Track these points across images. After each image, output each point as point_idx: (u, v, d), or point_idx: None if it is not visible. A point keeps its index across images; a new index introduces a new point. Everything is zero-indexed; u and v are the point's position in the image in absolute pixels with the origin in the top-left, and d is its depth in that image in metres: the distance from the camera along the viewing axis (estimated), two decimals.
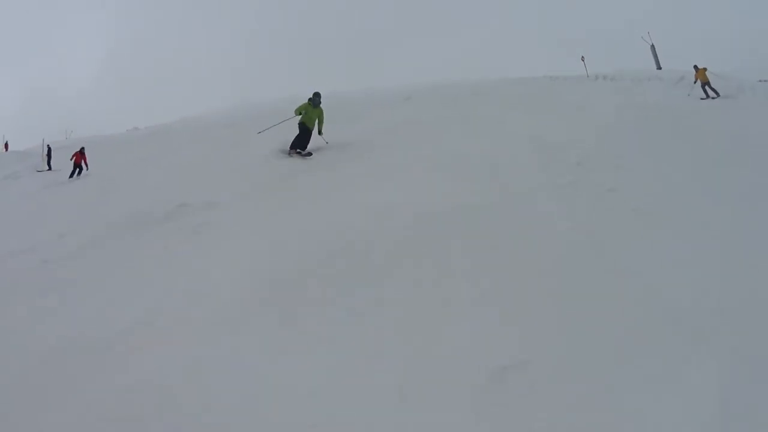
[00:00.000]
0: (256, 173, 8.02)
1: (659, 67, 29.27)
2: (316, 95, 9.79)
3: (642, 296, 2.71)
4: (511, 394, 2.13)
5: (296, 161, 8.95)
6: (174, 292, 3.66)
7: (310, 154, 9.13)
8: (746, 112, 11.29)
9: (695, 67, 15.93)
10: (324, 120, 9.66)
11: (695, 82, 15.53)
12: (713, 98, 14.26)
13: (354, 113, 13.75)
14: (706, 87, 14.99)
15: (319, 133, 9.55)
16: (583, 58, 24.18)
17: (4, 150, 28.40)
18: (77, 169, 16.17)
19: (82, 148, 16.88)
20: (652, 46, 30.20)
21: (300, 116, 9.59)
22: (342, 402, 2.21)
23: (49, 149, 19.56)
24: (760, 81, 20.95)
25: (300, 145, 9.29)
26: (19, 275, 4.93)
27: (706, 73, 15.41)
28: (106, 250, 5.27)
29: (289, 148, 9.36)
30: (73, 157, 16.53)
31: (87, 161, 16.47)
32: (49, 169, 18.43)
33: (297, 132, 9.50)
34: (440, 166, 6.35)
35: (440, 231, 3.83)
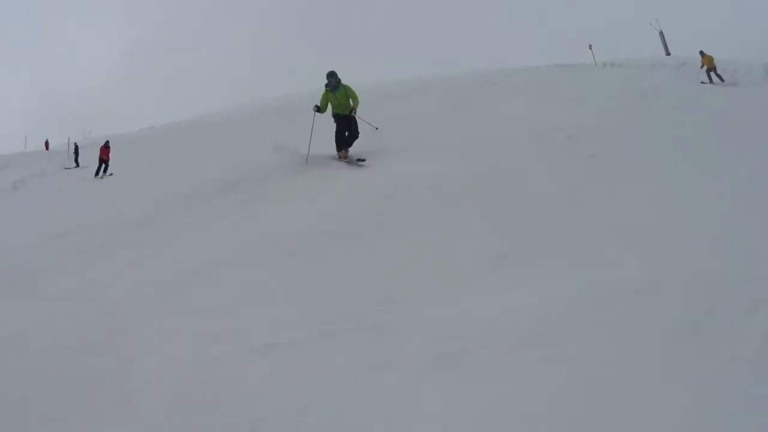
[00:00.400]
0: (288, 158, 9.23)
1: (668, 53, 30.16)
2: (330, 75, 8.23)
3: (594, 218, 3.95)
4: (501, 270, 3.36)
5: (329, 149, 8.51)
6: (246, 236, 4.96)
7: (363, 160, 7.69)
8: (740, 94, 12.35)
9: (701, 53, 16.81)
10: (357, 95, 8.31)
11: (702, 68, 16.46)
12: (717, 84, 15.18)
13: (368, 105, 14.97)
14: (711, 73, 15.90)
15: (352, 112, 8.12)
16: (590, 47, 25.23)
17: (45, 149, 29.48)
18: (102, 165, 16.75)
19: (107, 142, 17.61)
20: (661, 33, 31.13)
21: (327, 109, 8.34)
22: (387, 280, 3.46)
23: (77, 147, 21.04)
24: None
25: (347, 141, 8.13)
26: (105, 239, 6.25)
27: (714, 61, 16.29)
28: (175, 217, 6.59)
29: (337, 153, 8.15)
30: (101, 154, 17.08)
31: (110, 156, 16.98)
32: (77, 166, 19.78)
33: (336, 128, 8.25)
34: (450, 147, 7.58)
35: (451, 186, 5.14)
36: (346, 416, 2.22)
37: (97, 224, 7.54)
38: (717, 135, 6.83)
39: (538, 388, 2.17)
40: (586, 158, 5.68)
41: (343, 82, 8.27)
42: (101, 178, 15.90)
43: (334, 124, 8.26)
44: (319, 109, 8.34)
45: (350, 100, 8.21)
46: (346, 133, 8.17)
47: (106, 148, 17.22)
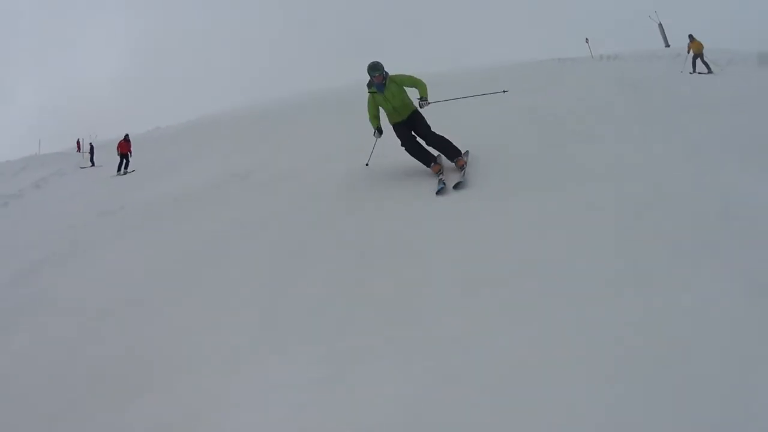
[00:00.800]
0: (308, 149, 10.41)
1: (667, 45, 31.36)
2: (372, 68, 5.81)
3: (572, 164, 5.20)
4: (495, 203, 4.56)
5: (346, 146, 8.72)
6: (281, 200, 6.22)
7: (459, 183, 5.34)
8: (725, 81, 13.43)
9: (690, 36, 17.33)
10: (418, 79, 5.96)
11: (688, 53, 17.31)
12: (701, 73, 15.89)
13: None
14: (698, 60, 16.69)
15: (421, 103, 5.89)
16: (587, 41, 26.55)
17: (77, 150, 29.96)
18: (123, 160, 16.93)
19: (126, 135, 17.80)
20: (660, 25, 32.37)
21: (381, 118, 6.27)
22: (405, 212, 4.66)
23: (92, 146, 22.34)
24: None
25: (442, 148, 5.94)
26: (154, 213, 7.52)
27: (702, 48, 16.73)
28: (215, 192, 7.82)
29: (430, 168, 5.92)
30: (119, 149, 17.20)
31: (131, 150, 17.21)
32: (93, 165, 21.02)
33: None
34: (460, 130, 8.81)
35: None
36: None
37: (138, 202, 8.82)
38: (687, 112, 7.95)
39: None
40: (568, 132, 6.88)
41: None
42: (123, 174, 16.49)
43: (399, 141, 6.14)
44: (379, 131, 6.34)
45: (406, 93, 6.03)
46: (421, 142, 6.07)
47: (126, 142, 17.36)
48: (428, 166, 5.98)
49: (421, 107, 5.99)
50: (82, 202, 11.20)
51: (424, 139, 6.06)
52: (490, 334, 2.65)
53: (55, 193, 15.80)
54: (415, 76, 6.01)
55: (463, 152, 6.06)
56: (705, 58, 16.44)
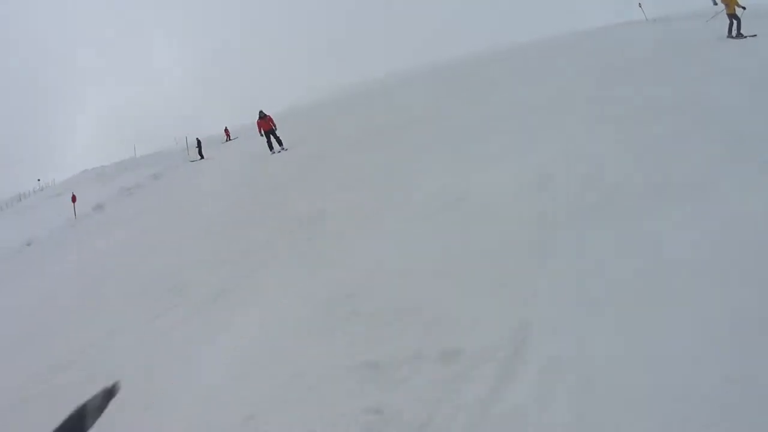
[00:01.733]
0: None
1: (715, 3, 33.22)
2: None
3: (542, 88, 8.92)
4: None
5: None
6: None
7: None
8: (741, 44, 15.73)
9: None
10: None
11: (715, 4, 17.91)
12: (733, 37, 15.22)
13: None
14: (734, 19, 15.60)
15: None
16: (640, 5, 29.14)
17: (227, 138, 32.69)
18: (272, 137, 16.30)
19: (261, 112, 16.84)
20: None
21: None
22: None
23: (199, 141, 26.18)
24: None
25: None
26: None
27: (736, 6, 15.77)
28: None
29: None
30: (260, 129, 16.38)
31: (275, 124, 16.50)
32: (202, 158, 24.52)
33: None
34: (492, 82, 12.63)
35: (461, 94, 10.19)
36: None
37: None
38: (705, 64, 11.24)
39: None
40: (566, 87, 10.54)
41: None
42: (279, 152, 16.10)
43: None
44: None
45: None
46: None
47: (262, 120, 16.66)
48: None
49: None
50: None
51: None
52: None
53: (177, 181, 19.51)
54: None
55: None
56: (738, 15, 15.77)
